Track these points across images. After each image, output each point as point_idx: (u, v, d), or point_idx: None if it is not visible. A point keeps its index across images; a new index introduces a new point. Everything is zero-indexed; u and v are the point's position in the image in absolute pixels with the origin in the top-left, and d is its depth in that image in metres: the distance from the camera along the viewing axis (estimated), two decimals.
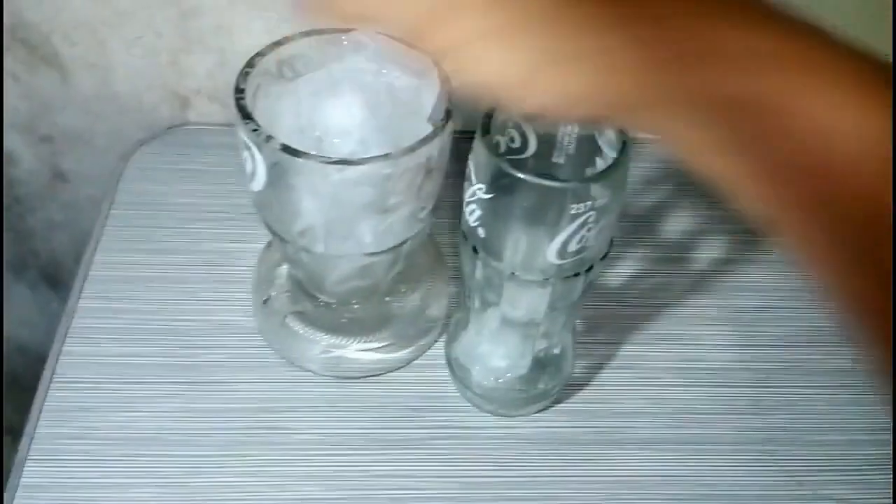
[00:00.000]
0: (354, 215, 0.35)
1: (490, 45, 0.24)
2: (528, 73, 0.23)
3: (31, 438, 0.38)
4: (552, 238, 0.30)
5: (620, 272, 0.48)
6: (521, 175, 0.29)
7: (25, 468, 0.37)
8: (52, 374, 0.41)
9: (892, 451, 0.41)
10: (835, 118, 0.20)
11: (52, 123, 0.56)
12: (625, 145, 0.31)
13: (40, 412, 0.39)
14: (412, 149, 0.32)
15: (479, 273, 0.35)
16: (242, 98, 0.33)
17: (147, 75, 0.53)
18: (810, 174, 0.21)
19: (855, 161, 0.20)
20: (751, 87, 0.20)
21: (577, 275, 0.33)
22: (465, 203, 0.33)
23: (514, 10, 0.23)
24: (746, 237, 0.51)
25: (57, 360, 0.41)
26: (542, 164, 0.33)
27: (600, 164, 0.32)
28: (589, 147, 0.32)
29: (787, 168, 0.21)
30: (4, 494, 0.36)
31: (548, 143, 0.34)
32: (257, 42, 0.35)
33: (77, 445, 0.38)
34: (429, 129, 0.33)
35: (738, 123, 0.21)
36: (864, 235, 0.20)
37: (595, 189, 0.30)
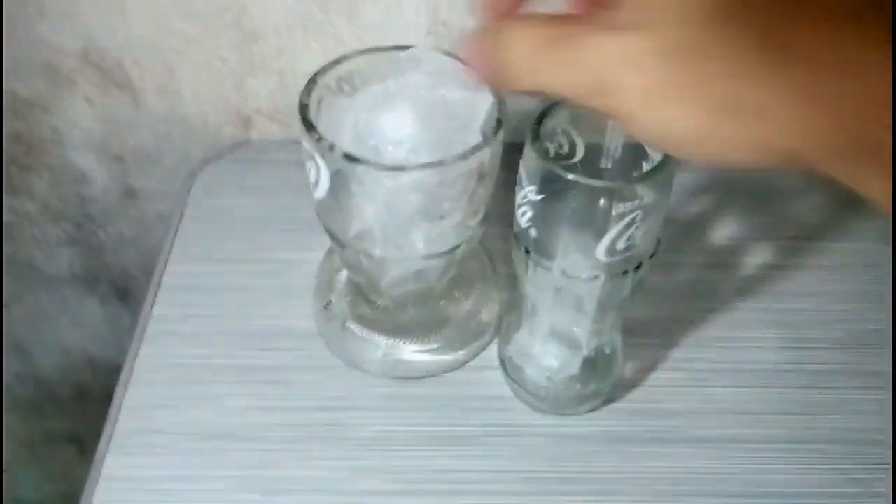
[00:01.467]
0: (409, 220, 0.37)
1: (657, 105, 0.23)
2: (703, 129, 0.22)
3: (111, 434, 0.41)
4: (601, 236, 0.32)
5: (670, 276, 0.49)
6: (570, 176, 0.30)
7: (105, 461, 0.40)
8: (129, 375, 0.43)
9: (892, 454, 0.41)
10: None
11: (124, 143, 0.59)
12: None
13: (118, 410, 0.42)
14: (464, 156, 0.34)
15: (531, 273, 0.36)
16: (307, 111, 0.36)
17: (212, 97, 0.56)
18: None
19: None
20: None
21: (625, 273, 0.34)
22: (516, 206, 0.34)
23: (676, 65, 0.22)
24: (794, 243, 0.52)
25: (133, 363, 0.44)
26: (590, 170, 0.34)
27: (646, 167, 0.34)
28: (635, 152, 0.34)
29: None
30: (85, 486, 0.39)
31: (595, 149, 0.35)
32: (315, 63, 0.37)
33: (152, 440, 0.41)
34: (480, 139, 0.35)
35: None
36: None
37: (641, 189, 0.31)
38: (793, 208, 0.54)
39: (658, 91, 0.22)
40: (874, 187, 0.21)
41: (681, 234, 0.51)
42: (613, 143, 0.35)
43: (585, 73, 0.23)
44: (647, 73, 0.22)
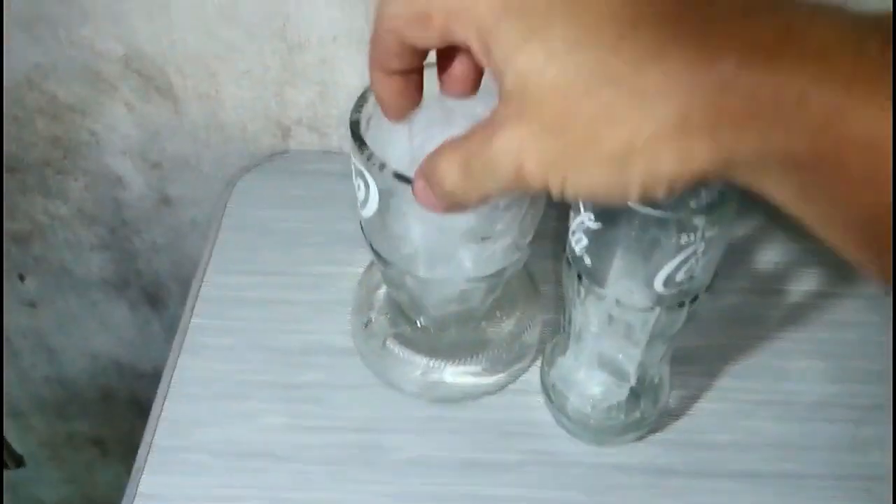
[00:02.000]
0: (457, 242, 0.36)
1: (565, 173, 0.24)
2: (612, 180, 0.23)
3: (149, 449, 0.40)
4: (657, 266, 0.31)
5: (715, 303, 0.48)
6: (634, 206, 0.30)
7: (143, 477, 0.39)
8: (168, 387, 0.43)
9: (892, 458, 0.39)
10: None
11: (162, 150, 0.59)
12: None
13: (157, 424, 0.41)
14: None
15: (582, 299, 0.35)
16: (358, 128, 0.35)
17: (252, 106, 0.55)
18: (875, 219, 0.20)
19: None
20: (806, 146, 0.20)
21: (681, 304, 0.33)
22: (570, 232, 0.34)
23: (555, 137, 0.23)
24: (841, 271, 0.51)
25: (172, 374, 0.44)
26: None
27: (704, 195, 0.33)
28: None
29: (845, 216, 0.21)
30: (122, 502, 0.39)
31: None
32: (358, 76, 0.37)
33: (189, 456, 0.40)
34: None
35: (800, 178, 0.21)
36: None
37: (700, 219, 0.30)
38: None
39: (560, 162, 0.23)
40: (767, 190, 0.22)
41: (726, 259, 0.50)
42: None
43: (504, 170, 0.25)
44: (544, 151, 0.24)
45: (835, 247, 0.22)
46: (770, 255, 0.51)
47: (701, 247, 0.30)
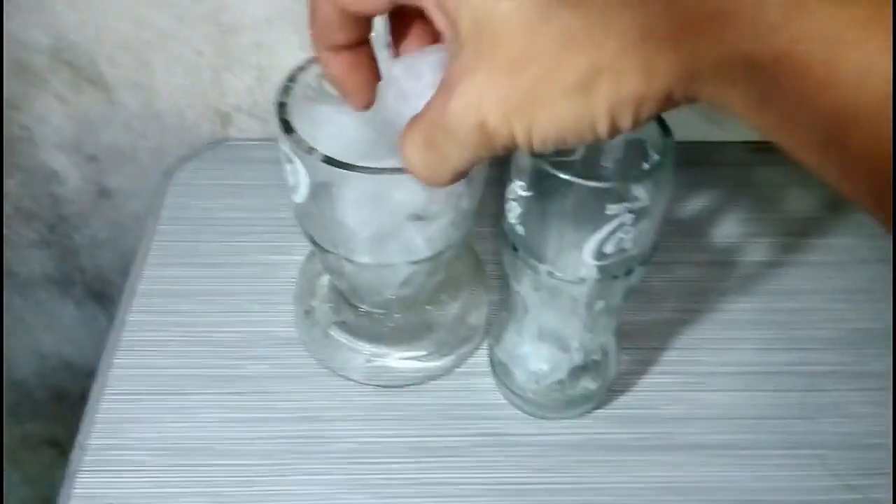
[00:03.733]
0: (395, 224, 0.35)
1: (531, 116, 0.23)
2: (578, 117, 0.23)
3: (84, 449, 0.39)
4: (588, 238, 0.30)
5: (661, 276, 0.48)
6: (559, 174, 0.29)
7: (77, 479, 0.38)
8: (103, 386, 0.42)
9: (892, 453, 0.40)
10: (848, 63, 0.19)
11: (97, 142, 0.57)
12: (666, 148, 0.30)
13: (92, 424, 0.40)
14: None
15: (518, 272, 0.35)
16: (285, 112, 0.34)
17: (188, 93, 0.54)
18: (827, 123, 0.20)
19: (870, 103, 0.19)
20: (764, 47, 0.20)
21: (615, 277, 0.33)
22: (505, 200, 0.33)
23: (517, 76, 0.23)
24: (787, 240, 0.51)
25: (108, 373, 0.42)
26: (590, 168, 0.33)
27: (647, 168, 0.32)
28: (637, 151, 0.32)
29: (806, 119, 0.20)
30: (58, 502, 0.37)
31: (596, 147, 0.34)
32: (295, 58, 0.36)
33: (127, 456, 0.39)
34: None
35: (761, 83, 0.21)
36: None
37: (635, 190, 0.30)
38: (785, 205, 0.53)
39: (524, 104, 0.23)
40: (716, 100, 0.22)
41: (672, 233, 0.50)
42: (615, 143, 0.34)
43: (466, 131, 0.24)
44: (505, 96, 0.23)
45: (793, 155, 0.22)
46: (715, 228, 0.51)
47: (629, 218, 0.30)
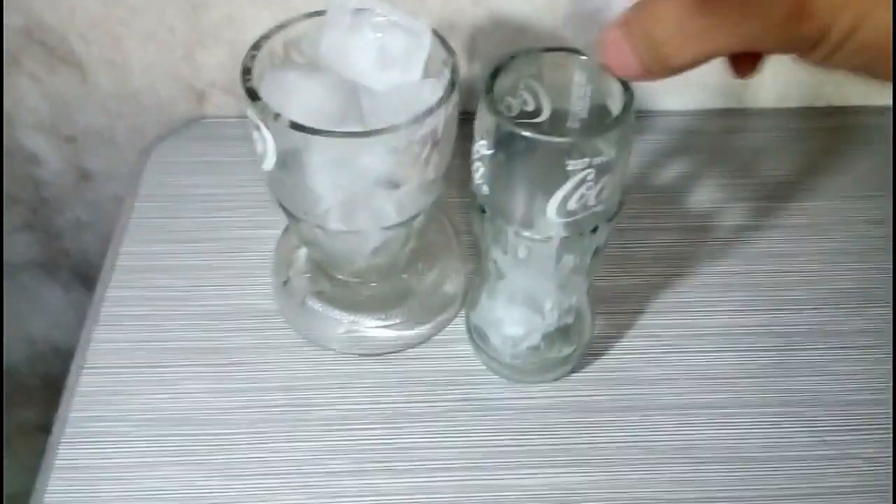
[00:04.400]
0: (364, 190, 0.36)
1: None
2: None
3: (65, 422, 0.39)
4: (552, 195, 0.31)
5: (638, 242, 0.48)
6: (520, 131, 0.29)
7: (59, 450, 0.38)
8: (83, 360, 0.42)
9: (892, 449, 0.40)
10: None
11: (74, 123, 0.57)
12: (626, 105, 0.31)
13: (72, 397, 0.40)
14: (418, 120, 0.33)
15: (487, 233, 0.35)
16: (250, 79, 0.34)
17: (163, 70, 0.54)
18: None
19: None
20: None
21: (581, 235, 0.33)
22: (471, 162, 0.33)
23: None
24: (763, 203, 0.51)
25: (87, 347, 0.42)
26: (557, 130, 0.33)
27: (608, 123, 0.32)
28: (601, 112, 0.32)
29: None
30: (39, 474, 0.38)
31: (561, 109, 0.34)
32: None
33: (107, 427, 0.39)
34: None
35: None
36: None
37: (597, 145, 0.30)
38: (763, 170, 0.53)
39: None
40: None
41: (648, 198, 0.50)
42: (580, 104, 0.34)
43: (749, 22, 0.22)
44: None
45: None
46: (691, 194, 0.51)
47: (591, 173, 0.30)
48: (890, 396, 0.41)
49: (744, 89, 0.56)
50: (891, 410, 0.41)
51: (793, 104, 0.57)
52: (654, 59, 0.24)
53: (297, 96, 0.35)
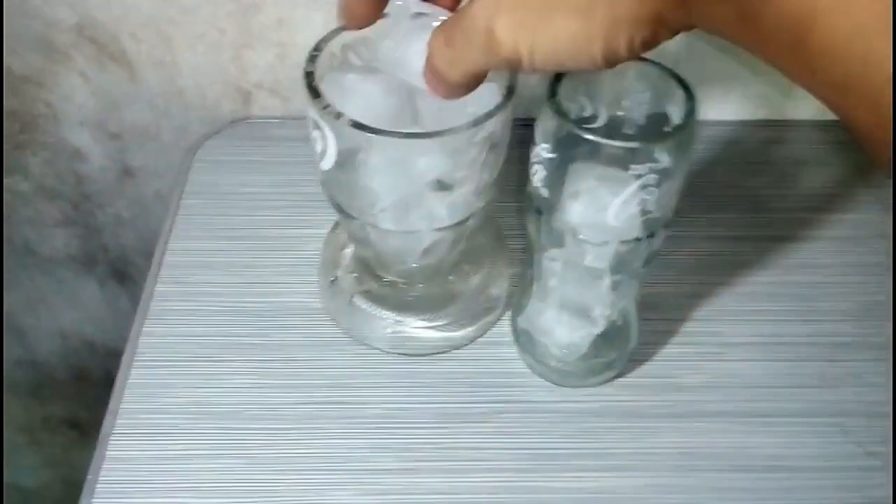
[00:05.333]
0: (420, 191, 0.36)
1: (534, 32, 0.26)
2: (579, 35, 0.25)
3: (115, 414, 0.40)
4: (612, 200, 0.31)
5: (682, 250, 0.48)
6: (584, 134, 0.30)
7: (110, 441, 0.39)
8: (133, 353, 0.42)
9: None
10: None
11: (120, 120, 0.58)
12: (690, 111, 0.31)
13: (123, 389, 0.41)
14: (477, 123, 0.33)
15: (542, 235, 0.35)
16: (312, 79, 0.35)
17: (210, 71, 0.54)
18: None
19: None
20: None
21: (638, 240, 0.33)
22: (529, 164, 0.33)
23: None
24: (804, 214, 0.51)
25: (137, 341, 0.43)
26: (613, 136, 0.33)
27: (670, 130, 0.33)
28: (659, 118, 0.33)
29: (775, 24, 0.22)
30: (91, 465, 0.38)
31: (618, 115, 0.34)
32: (316, 35, 0.36)
33: (158, 420, 0.40)
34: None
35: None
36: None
37: (658, 152, 0.30)
38: (803, 181, 0.53)
39: (528, 21, 0.25)
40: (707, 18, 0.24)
41: (689, 207, 0.50)
42: (638, 111, 0.34)
43: (477, 34, 0.27)
44: (514, 10, 0.26)
45: (774, 67, 0.24)
46: (734, 202, 0.52)
47: (653, 179, 0.30)
48: None
49: (785, 101, 0.56)
50: None
51: (834, 116, 0.57)
52: (440, 82, 0.31)
53: (355, 97, 0.36)
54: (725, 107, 0.57)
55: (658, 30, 0.24)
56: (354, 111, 0.34)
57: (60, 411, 0.89)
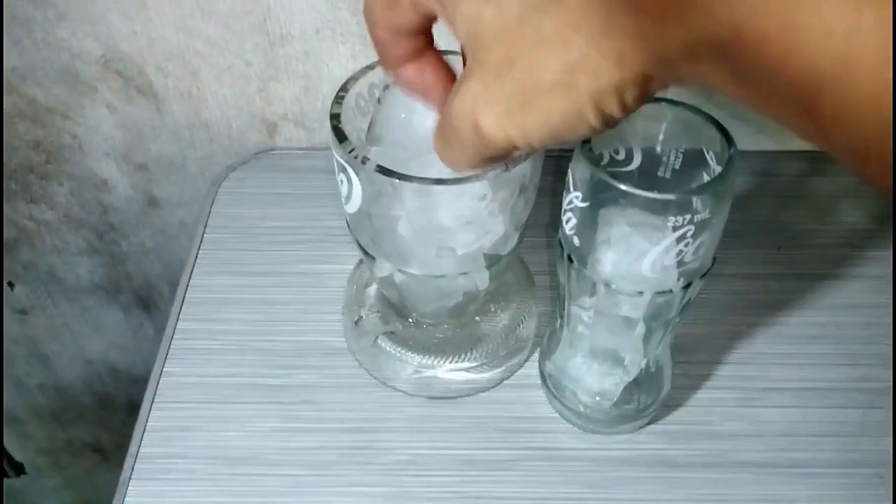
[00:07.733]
0: (448, 234, 0.35)
1: (512, 118, 0.24)
2: (566, 114, 0.24)
3: (135, 458, 0.39)
4: (648, 250, 0.30)
5: (717, 289, 0.47)
6: (619, 185, 0.28)
7: (129, 487, 0.38)
8: (154, 395, 0.42)
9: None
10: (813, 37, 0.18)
11: (146, 151, 0.58)
12: (730, 160, 0.30)
13: (143, 432, 0.40)
14: (506, 168, 0.32)
15: (573, 283, 0.34)
16: (339, 121, 0.34)
17: (236, 103, 0.54)
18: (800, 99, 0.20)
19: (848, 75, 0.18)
20: (725, 25, 0.20)
21: (673, 291, 0.32)
22: (562, 211, 0.32)
23: (500, 79, 0.24)
24: (845, 251, 0.49)
25: (158, 381, 0.42)
26: (647, 179, 0.32)
27: (707, 179, 0.32)
28: (695, 162, 0.32)
29: (777, 88, 0.20)
30: None
31: (653, 157, 0.33)
32: (343, 67, 0.35)
33: (177, 465, 0.39)
34: None
35: (729, 59, 0.21)
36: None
37: (695, 202, 0.29)
38: (841, 216, 0.52)
39: (512, 106, 0.24)
40: (696, 77, 0.22)
41: (727, 244, 0.49)
42: (672, 153, 0.33)
43: (465, 132, 0.25)
44: (495, 100, 0.24)
45: (780, 124, 0.22)
46: (771, 239, 0.50)
47: (691, 230, 0.29)
48: None
49: None
50: None
51: None
52: (451, 167, 0.28)
53: (417, 112, 0.35)
54: (761, 137, 0.55)
55: (647, 87, 0.22)
56: (407, 127, 0.34)
57: (83, 435, 0.89)
